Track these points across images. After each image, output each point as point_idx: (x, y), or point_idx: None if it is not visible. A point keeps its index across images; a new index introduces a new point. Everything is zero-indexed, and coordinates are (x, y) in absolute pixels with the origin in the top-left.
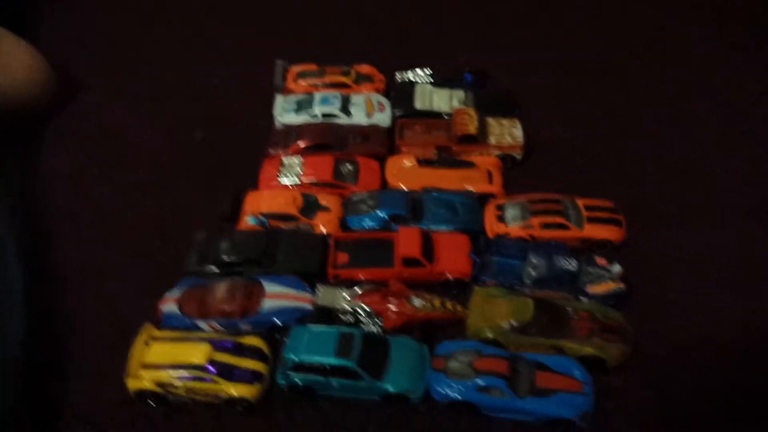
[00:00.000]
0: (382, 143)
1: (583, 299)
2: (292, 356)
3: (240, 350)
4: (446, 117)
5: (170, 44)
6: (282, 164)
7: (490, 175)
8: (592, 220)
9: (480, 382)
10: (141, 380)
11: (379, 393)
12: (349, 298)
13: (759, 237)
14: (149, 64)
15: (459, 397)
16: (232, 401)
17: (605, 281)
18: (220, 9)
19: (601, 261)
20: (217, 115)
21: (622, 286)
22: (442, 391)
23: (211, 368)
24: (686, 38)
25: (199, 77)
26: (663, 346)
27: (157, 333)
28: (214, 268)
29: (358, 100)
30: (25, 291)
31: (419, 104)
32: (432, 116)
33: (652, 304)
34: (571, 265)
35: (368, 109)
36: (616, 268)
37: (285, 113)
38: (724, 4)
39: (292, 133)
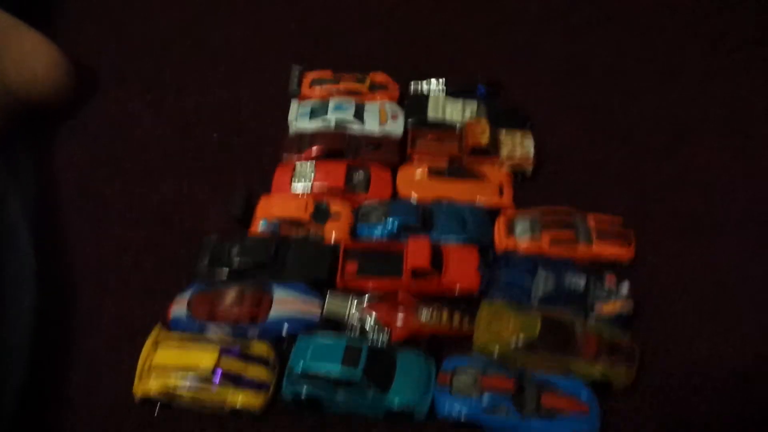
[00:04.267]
0: (394, 152)
1: (592, 318)
2: (297, 365)
3: (247, 357)
4: (458, 128)
5: (186, 46)
6: (295, 170)
7: (500, 188)
8: (602, 237)
9: (485, 399)
10: (148, 383)
11: (383, 408)
12: (356, 308)
13: None
14: (165, 65)
15: (463, 415)
16: (236, 411)
17: (614, 300)
18: (241, 13)
19: (610, 279)
20: (231, 118)
21: (631, 305)
22: (447, 408)
23: (218, 374)
24: (693, 50)
25: (214, 79)
26: (670, 365)
27: (165, 335)
28: (223, 272)
29: (371, 108)
30: (36, 278)
31: (432, 114)
32: (444, 127)
33: (659, 321)
34: (580, 283)
35: (381, 118)
36: (626, 286)
37: (300, 118)
38: (731, 21)
39: (306, 138)
